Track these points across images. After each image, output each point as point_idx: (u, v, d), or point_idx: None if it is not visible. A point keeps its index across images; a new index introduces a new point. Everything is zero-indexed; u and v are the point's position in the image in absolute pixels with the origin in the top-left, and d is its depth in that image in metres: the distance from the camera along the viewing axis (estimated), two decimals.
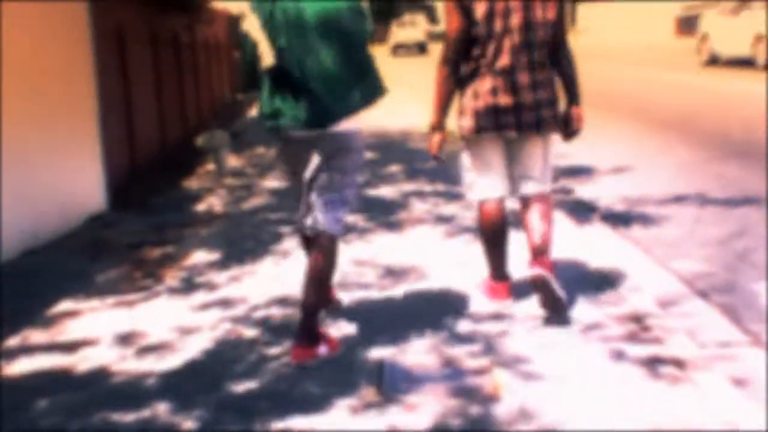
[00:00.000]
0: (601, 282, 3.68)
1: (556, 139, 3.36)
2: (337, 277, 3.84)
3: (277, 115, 2.90)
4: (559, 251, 4.28)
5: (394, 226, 4.93)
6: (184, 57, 9.66)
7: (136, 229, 4.94)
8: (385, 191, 6.03)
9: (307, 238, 3.13)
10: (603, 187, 6.16)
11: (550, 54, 3.15)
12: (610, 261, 4.07)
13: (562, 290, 3.19)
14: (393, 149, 8.27)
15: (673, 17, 31.62)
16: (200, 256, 4.35)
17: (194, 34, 10.18)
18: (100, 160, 5.25)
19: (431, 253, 4.28)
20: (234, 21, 16.97)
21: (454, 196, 5.75)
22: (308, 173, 2.98)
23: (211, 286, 3.79)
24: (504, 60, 3.07)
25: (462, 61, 3.14)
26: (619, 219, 5.14)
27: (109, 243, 4.56)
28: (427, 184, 6.28)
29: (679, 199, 5.48)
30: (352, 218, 5.11)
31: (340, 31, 2.80)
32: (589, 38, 39.02)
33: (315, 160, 2.93)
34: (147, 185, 6.40)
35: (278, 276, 3.94)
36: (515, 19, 3.04)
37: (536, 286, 3.21)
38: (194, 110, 10.44)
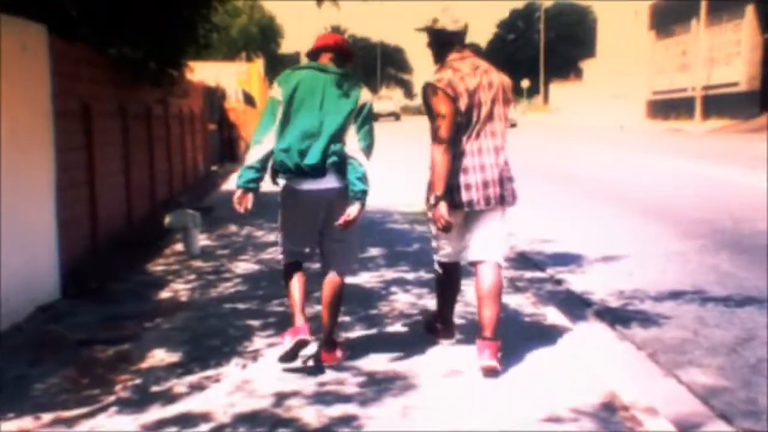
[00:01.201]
0: (609, 399, 3.29)
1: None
2: (313, 388, 3.42)
3: (290, 172, 3.57)
4: (555, 352, 3.93)
5: (375, 322, 4.52)
6: (155, 130, 9.35)
7: (89, 322, 4.45)
8: (365, 279, 5.63)
9: (297, 263, 3.79)
10: (594, 278, 5.85)
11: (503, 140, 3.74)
12: (613, 369, 3.71)
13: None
14: (372, 230, 7.92)
15: (645, 100, 32.56)
16: (159, 357, 3.87)
17: (167, 106, 9.91)
18: (54, 241, 4.78)
19: (418, 358, 3.86)
20: (211, 93, 16.85)
21: None
22: (320, 222, 3.67)
23: (168, 398, 3.31)
24: (476, 144, 3.66)
25: (452, 149, 3.61)
26: (615, 316, 4.80)
27: (55, 340, 4.06)
28: (410, 271, 5.91)
29: (676, 295, 5.17)
30: None
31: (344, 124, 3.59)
32: (561, 117, 40.00)
33: (325, 211, 3.63)
34: (108, 268, 5.92)
35: (246, 384, 3.48)
36: (484, 111, 3.66)
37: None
38: (165, 184, 10.06)
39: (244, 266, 6.13)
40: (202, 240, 7.27)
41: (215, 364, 3.74)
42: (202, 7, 8.60)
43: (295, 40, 55.49)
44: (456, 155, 3.61)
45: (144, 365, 3.73)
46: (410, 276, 5.73)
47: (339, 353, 3.83)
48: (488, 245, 3.74)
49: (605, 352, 4.02)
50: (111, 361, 3.79)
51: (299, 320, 3.62)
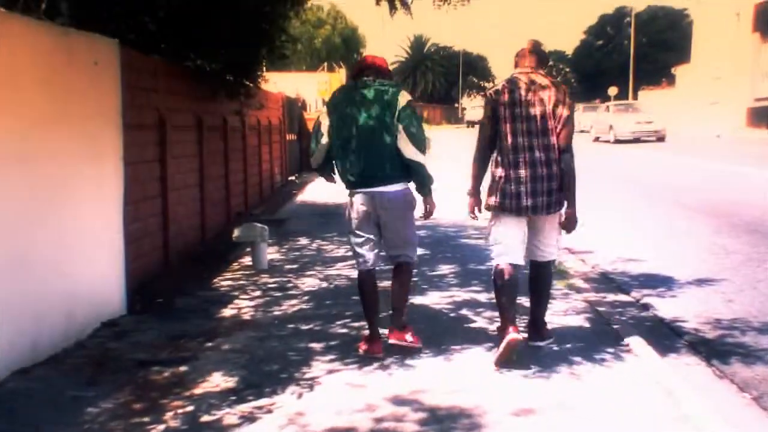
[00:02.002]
0: None
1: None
2: (369, 424, 3.16)
3: (351, 182, 4.09)
4: (640, 392, 3.51)
5: (442, 348, 4.22)
6: (232, 141, 9.40)
7: (150, 340, 4.37)
8: (434, 299, 5.35)
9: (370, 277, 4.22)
10: (686, 304, 5.33)
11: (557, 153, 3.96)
12: (710, 414, 3.26)
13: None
14: (444, 244, 7.63)
15: (745, 108, 30.54)
16: (214, 381, 3.72)
17: (244, 118, 9.97)
18: (121, 256, 4.76)
19: (487, 391, 3.54)
20: (291, 103, 17.01)
21: None
22: (382, 221, 4.08)
23: (217, 429, 3.14)
24: (527, 153, 3.95)
25: (489, 151, 4.09)
26: (712, 349, 4.30)
27: (116, 359, 4.00)
28: (483, 291, 5.57)
29: None
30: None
31: (390, 129, 3.98)
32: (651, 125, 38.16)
33: (385, 210, 4.05)
34: (176, 282, 5.91)
35: (299, 416, 3.27)
36: (537, 123, 3.94)
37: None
38: (240, 196, 10.11)
39: (310, 282, 5.97)
40: (272, 253, 7.18)
41: (270, 392, 3.55)
42: (279, 19, 8.58)
43: (378, 49, 55.63)
44: (514, 163, 3.95)
45: (198, 390, 3.59)
46: (483, 297, 5.39)
47: (410, 336, 4.15)
48: (544, 247, 4.19)
49: (701, 393, 3.56)
50: (166, 385, 3.67)
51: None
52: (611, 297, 5.61)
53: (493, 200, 4.02)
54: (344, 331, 4.61)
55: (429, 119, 60.17)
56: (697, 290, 5.69)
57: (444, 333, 4.53)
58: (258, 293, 5.65)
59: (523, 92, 3.95)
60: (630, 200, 11.21)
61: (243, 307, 5.25)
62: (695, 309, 5.16)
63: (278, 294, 5.61)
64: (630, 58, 53.05)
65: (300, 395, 3.52)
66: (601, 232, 8.51)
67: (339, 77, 33.62)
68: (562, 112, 3.97)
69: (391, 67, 4.25)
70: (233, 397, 3.49)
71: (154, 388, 3.62)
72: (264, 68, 9.29)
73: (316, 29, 44.77)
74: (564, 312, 4.97)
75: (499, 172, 3.98)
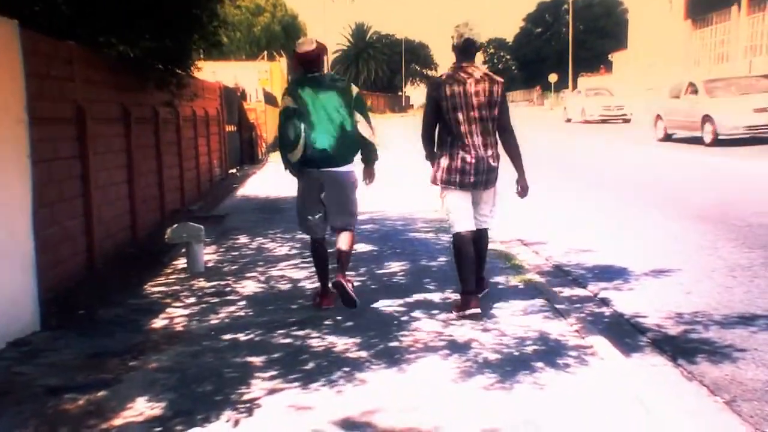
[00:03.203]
0: None
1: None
2: None
3: (307, 162, 4.65)
4: (609, 399, 3.24)
5: (395, 358, 3.87)
6: (165, 134, 8.82)
7: (66, 361, 3.88)
8: (385, 302, 5.00)
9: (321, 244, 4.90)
10: (645, 296, 5.14)
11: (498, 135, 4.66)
12: (684, 422, 3.02)
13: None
14: (393, 239, 7.29)
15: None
16: (139, 408, 3.28)
17: (177, 108, 9.37)
18: (30, 266, 4.21)
19: (446, 408, 3.21)
20: (229, 93, 16.33)
21: None
22: (330, 196, 4.73)
23: None
24: (466, 139, 4.54)
25: (432, 136, 4.73)
26: (677, 347, 4.09)
27: (22, 386, 3.50)
28: (436, 290, 5.25)
29: (747, 321, 4.44)
30: (342, 345, 4.09)
31: (348, 116, 4.65)
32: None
33: (335, 188, 4.73)
34: (101, 290, 5.38)
35: None
36: (476, 110, 4.52)
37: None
38: (176, 192, 9.53)
39: (250, 286, 5.54)
40: (209, 253, 6.70)
41: (202, 419, 3.13)
42: (211, 4, 8.03)
43: (318, 38, 54.85)
44: (449, 146, 4.59)
45: (118, 421, 3.14)
46: (436, 297, 5.07)
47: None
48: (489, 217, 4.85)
49: (672, 400, 3.32)
50: (80, 415, 3.20)
51: None
52: (568, 291, 5.38)
53: (442, 177, 4.64)
54: (287, 341, 4.21)
55: (373, 107, 59.70)
56: (654, 282, 5.51)
57: (396, 340, 4.18)
58: (192, 300, 5.18)
59: (462, 87, 4.52)
60: (571, 189, 11.12)
61: (175, 316, 4.78)
62: (654, 302, 4.96)
63: (215, 300, 5.16)
64: (569, 45, 53.84)
65: (236, 422, 3.11)
66: (548, 222, 8.34)
67: (280, 66, 32.80)
68: (499, 98, 4.57)
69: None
70: (159, 428, 3.05)
71: (66, 420, 3.15)
72: (197, 56, 8.71)
73: (255, 17, 43.69)
74: (522, 311, 4.70)
75: (447, 154, 4.60)
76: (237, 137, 17.10)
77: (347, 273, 4.86)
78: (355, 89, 4.75)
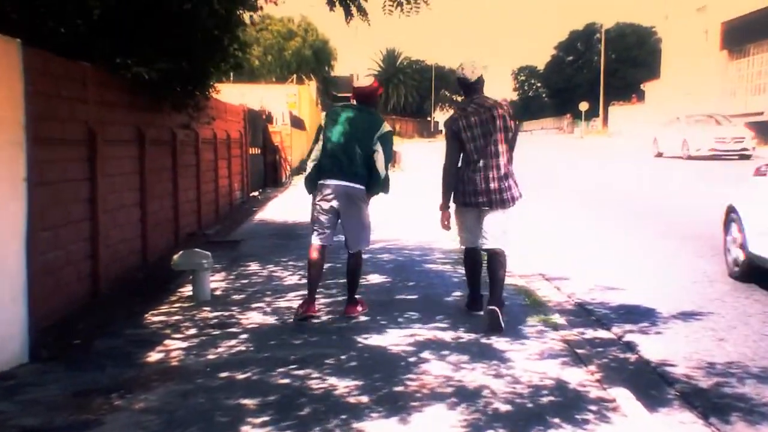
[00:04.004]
0: None
1: None
2: None
3: (322, 174, 5.14)
4: None
5: (397, 403, 3.59)
6: (182, 156, 8.71)
7: (48, 398, 3.66)
8: (393, 339, 4.72)
9: (322, 246, 5.27)
10: (673, 342, 4.79)
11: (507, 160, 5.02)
12: None
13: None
14: (408, 270, 7.02)
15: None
16: None
17: (196, 130, 9.28)
18: (21, 293, 4.02)
19: None
20: (254, 115, 16.31)
21: (482, 352, 4.42)
22: (344, 210, 5.15)
23: None
24: (482, 161, 4.95)
25: (454, 170, 5.07)
26: (708, 402, 3.74)
27: None
28: (449, 328, 4.96)
29: None
30: (343, 387, 3.82)
31: (368, 144, 5.11)
32: (622, 141, 38.26)
33: (347, 206, 5.14)
34: (102, 318, 5.20)
35: None
36: (487, 142, 4.94)
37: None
38: (192, 215, 9.40)
39: (255, 317, 5.30)
40: (218, 280, 6.51)
41: None
42: (233, 26, 7.93)
43: (349, 62, 55.31)
44: (470, 170, 5.00)
45: None
46: (448, 336, 4.78)
47: (359, 308, 5.34)
48: (495, 237, 5.06)
49: None
50: None
51: None
52: (590, 333, 5.05)
53: (456, 199, 5.11)
54: (286, 381, 3.96)
55: (401, 132, 59.78)
56: (683, 326, 5.15)
57: (401, 384, 3.90)
58: (193, 331, 4.96)
59: (475, 117, 4.99)
60: (599, 222, 10.75)
61: (173, 349, 4.56)
62: (684, 349, 4.61)
63: (216, 332, 4.93)
64: (600, 73, 53.41)
65: None
66: (574, 254, 8.00)
67: (308, 90, 33.00)
68: (511, 124, 5.03)
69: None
70: None
71: None
72: (218, 78, 8.62)
73: (287, 41, 44.15)
74: (539, 355, 4.38)
75: (464, 179, 5.02)
76: (261, 160, 17.05)
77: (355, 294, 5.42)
78: (387, 127, 5.22)
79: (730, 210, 6.72)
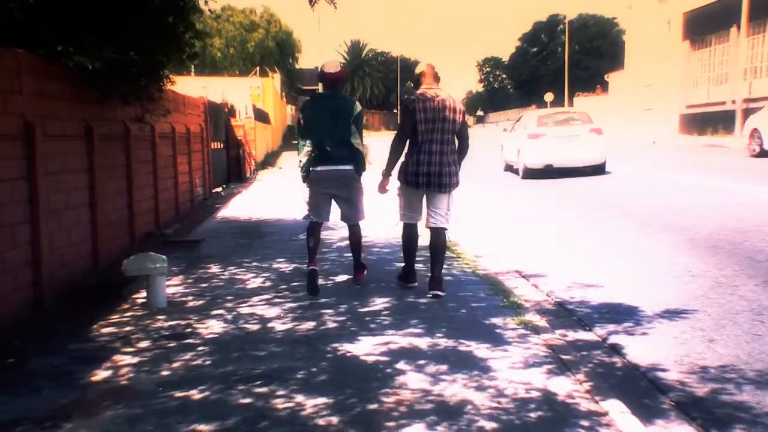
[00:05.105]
0: None
1: None
2: None
3: (315, 161, 5.74)
4: None
5: (371, 424, 3.24)
6: (137, 152, 8.20)
7: None
8: (365, 347, 4.36)
9: (318, 224, 5.91)
10: (661, 343, 4.52)
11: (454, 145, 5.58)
12: None
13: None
14: (378, 270, 6.65)
15: (678, 114, 30.78)
16: None
17: (153, 125, 8.76)
18: None
19: None
20: (215, 109, 15.73)
21: (461, 360, 4.09)
22: (338, 192, 5.85)
23: None
24: (430, 145, 5.46)
25: (403, 143, 5.60)
26: (707, 413, 3.46)
27: None
28: (425, 334, 4.62)
29: None
30: (311, 406, 3.45)
31: (347, 128, 5.71)
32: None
33: (342, 186, 5.82)
34: (43, 331, 4.73)
35: None
36: (440, 123, 5.44)
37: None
38: (149, 214, 8.89)
39: (214, 326, 4.89)
40: (175, 285, 6.07)
41: None
42: (187, 13, 7.44)
43: (313, 54, 54.74)
44: (417, 152, 5.49)
45: None
46: (424, 343, 4.44)
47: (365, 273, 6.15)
48: (437, 216, 5.62)
49: None
50: None
51: None
52: (573, 335, 4.76)
53: (403, 178, 5.57)
54: (247, 400, 3.57)
55: (368, 125, 59.24)
56: (669, 325, 4.88)
57: (375, 400, 3.54)
58: (146, 344, 4.53)
59: (431, 103, 5.42)
60: (573, 217, 10.54)
61: (122, 365, 4.12)
62: (673, 352, 4.34)
63: (172, 344, 4.51)
64: (564, 64, 53.63)
65: None
66: (550, 250, 7.74)
67: (272, 82, 32.33)
68: (460, 116, 5.52)
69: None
70: None
71: None
72: (170, 69, 8.11)
73: (249, 33, 43.27)
74: (523, 363, 4.07)
75: (413, 159, 5.50)
76: (224, 155, 16.50)
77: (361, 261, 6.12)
78: (358, 107, 5.79)
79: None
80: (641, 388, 3.83)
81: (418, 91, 5.52)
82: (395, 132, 5.77)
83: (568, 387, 3.70)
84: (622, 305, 5.45)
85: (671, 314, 5.11)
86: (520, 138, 16.01)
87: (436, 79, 5.62)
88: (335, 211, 6.04)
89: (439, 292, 5.48)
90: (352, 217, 5.90)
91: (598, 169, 15.52)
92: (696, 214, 9.41)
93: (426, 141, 5.41)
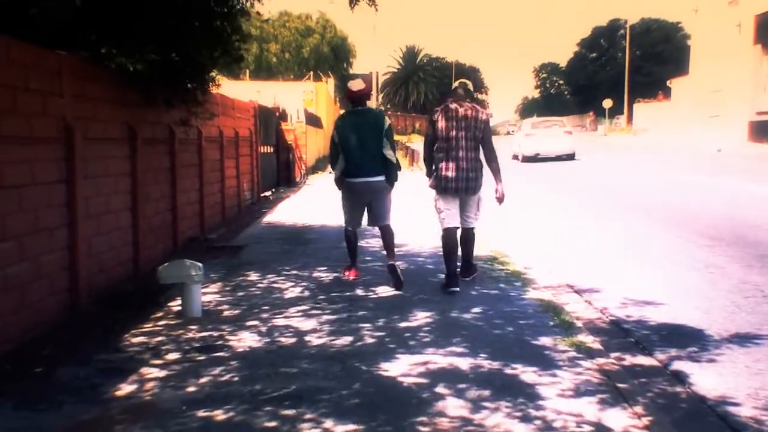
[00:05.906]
0: None
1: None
2: None
3: (349, 173, 6.22)
4: None
5: None
6: (182, 156, 8.14)
7: None
8: (402, 367, 4.08)
9: (354, 234, 6.46)
10: (732, 372, 4.09)
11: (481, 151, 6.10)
12: None
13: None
14: (421, 282, 6.34)
15: (747, 121, 29.38)
16: None
17: (199, 128, 8.70)
18: None
19: None
20: (266, 113, 15.72)
21: (506, 385, 3.75)
22: (370, 200, 6.29)
23: None
24: (455, 153, 5.94)
25: (429, 150, 6.15)
26: None
27: None
28: (467, 354, 4.30)
29: None
30: None
31: (378, 142, 6.15)
32: (647, 139, 37.20)
33: (374, 195, 6.26)
34: (76, 339, 4.62)
35: None
36: (462, 132, 5.93)
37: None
38: (193, 219, 8.82)
39: (247, 338, 4.69)
40: (212, 292, 5.93)
41: None
42: (234, 17, 7.32)
43: (369, 60, 54.95)
44: (445, 159, 5.93)
45: None
46: (466, 364, 4.12)
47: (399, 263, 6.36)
48: (468, 219, 6.15)
49: None
50: None
51: None
52: (630, 360, 4.36)
53: (437, 186, 5.99)
54: (272, 424, 3.33)
55: (420, 130, 58.93)
56: (741, 352, 4.43)
57: (411, 429, 3.25)
58: (176, 356, 4.36)
59: (452, 113, 5.90)
60: (629, 226, 9.99)
61: (148, 379, 3.95)
62: (746, 383, 3.90)
63: (201, 357, 4.32)
64: (624, 70, 52.21)
65: None
66: (604, 260, 7.29)
67: (326, 87, 32.40)
68: (482, 124, 5.93)
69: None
70: None
71: None
72: (217, 71, 8.02)
73: (305, 38, 43.61)
74: (574, 390, 3.71)
75: (442, 166, 5.92)
76: (273, 159, 16.49)
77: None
78: (387, 120, 6.27)
79: None
80: (709, 426, 3.43)
81: (443, 105, 6.01)
82: None
83: (624, 421, 3.33)
84: (686, 327, 5.01)
85: (742, 339, 4.65)
86: (520, 137, 25.45)
87: (466, 93, 6.11)
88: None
89: (465, 278, 6.15)
90: (382, 217, 6.28)
91: (570, 157, 23.95)
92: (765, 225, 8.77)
93: (452, 148, 5.86)
